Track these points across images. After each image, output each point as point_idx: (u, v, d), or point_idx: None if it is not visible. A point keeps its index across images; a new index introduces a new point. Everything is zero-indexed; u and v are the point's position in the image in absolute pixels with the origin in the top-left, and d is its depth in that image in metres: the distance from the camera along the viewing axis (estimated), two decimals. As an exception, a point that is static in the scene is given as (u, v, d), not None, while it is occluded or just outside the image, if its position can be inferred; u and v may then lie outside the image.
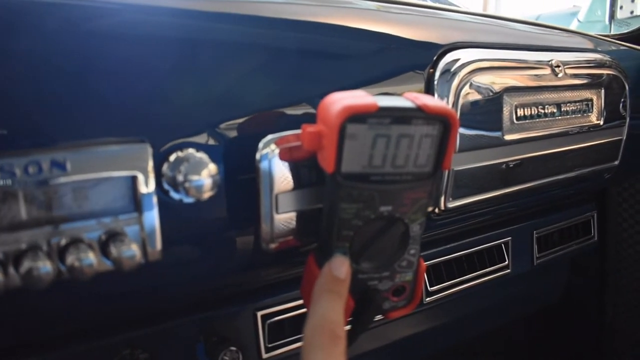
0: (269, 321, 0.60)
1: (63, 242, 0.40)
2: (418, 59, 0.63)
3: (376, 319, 0.50)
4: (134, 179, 0.42)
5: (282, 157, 0.48)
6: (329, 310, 0.42)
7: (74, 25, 0.41)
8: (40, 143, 0.39)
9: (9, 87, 0.38)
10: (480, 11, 0.81)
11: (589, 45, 0.91)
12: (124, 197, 0.42)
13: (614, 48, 0.97)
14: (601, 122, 0.84)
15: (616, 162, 0.91)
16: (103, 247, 0.42)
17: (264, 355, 0.60)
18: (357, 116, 0.41)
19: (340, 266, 0.45)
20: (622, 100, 0.88)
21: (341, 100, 0.41)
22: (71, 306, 0.47)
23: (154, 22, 0.44)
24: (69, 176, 0.39)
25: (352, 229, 0.45)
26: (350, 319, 0.48)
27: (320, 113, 0.43)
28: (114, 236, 0.42)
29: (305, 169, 0.49)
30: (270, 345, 0.60)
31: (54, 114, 0.40)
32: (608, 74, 0.84)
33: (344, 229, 0.45)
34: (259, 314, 0.60)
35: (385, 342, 0.80)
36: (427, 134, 0.44)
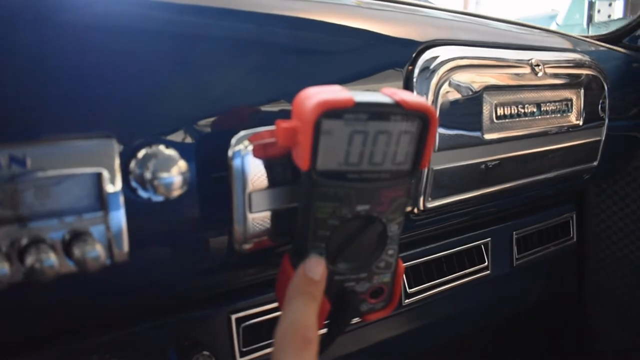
0: (243, 324, 0.58)
1: (24, 242, 0.38)
2: (397, 56, 0.62)
3: (354, 322, 0.48)
4: (99, 176, 0.40)
5: (256, 154, 0.46)
6: (301, 313, 0.41)
7: (39, 15, 0.38)
8: (-1, 138, 0.37)
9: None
10: (461, 9, 0.81)
11: (568, 45, 0.91)
12: (89, 195, 0.40)
13: (593, 49, 0.97)
14: (580, 123, 0.84)
15: (595, 163, 0.91)
16: (66, 248, 0.40)
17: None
18: (332, 111, 0.40)
19: (315, 267, 0.43)
20: (601, 101, 0.88)
21: (316, 95, 0.40)
22: (34, 310, 0.45)
23: (123, 13, 0.42)
24: (30, 173, 0.37)
25: (328, 229, 0.44)
26: (326, 321, 0.47)
27: (295, 108, 0.42)
28: (77, 236, 0.40)
29: (279, 166, 0.48)
30: (245, 349, 0.59)
31: (13, 108, 0.38)
32: (587, 74, 0.84)
33: (319, 229, 0.43)
34: (234, 317, 0.58)
35: (363, 344, 0.79)
36: (405, 131, 0.43)
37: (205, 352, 0.54)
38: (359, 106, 0.40)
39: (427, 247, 0.76)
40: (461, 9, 0.83)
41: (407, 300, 0.74)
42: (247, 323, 0.58)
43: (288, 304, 0.42)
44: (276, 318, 0.59)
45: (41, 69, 0.38)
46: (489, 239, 0.85)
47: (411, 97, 0.42)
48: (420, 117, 0.43)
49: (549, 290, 1.11)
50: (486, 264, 0.84)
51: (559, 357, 1.25)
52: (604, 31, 1.17)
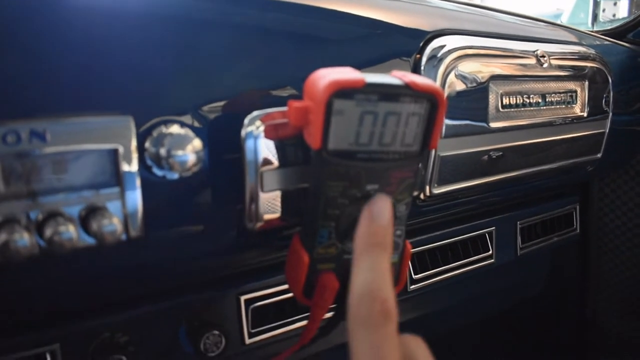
0: (252, 306, 0.59)
1: (41, 215, 0.39)
2: (405, 45, 0.63)
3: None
4: (115, 153, 0.41)
5: (268, 134, 0.47)
6: (376, 273, 0.36)
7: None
8: (20, 113, 0.38)
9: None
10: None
11: (573, 38, 0.92)
12: (106, 171, 0.41)
13: (598, 43, 0.97)
14: (585, 114, 0.85)
15: (599, 155, 0.92)
16: (83, 222, 0.41)
17: (247, 341, 0.59)
18: (344, 91, 0.40)
19: (383, 209, 0.39)
20: (606, 94, 0.89)
21: (328, 75, 0.41)
22: (49, 287, 0.46)
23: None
24: (49, 147, 0.38)
25: (338, 208, 0.44)
26: (334, 305, 0.47)
27: (307, 88, 0.43)
28: (94, 211, 0.41)
29: (291, 147, 0.48)
30: (253, 331, 0.60)
31: (36, 85, 0.39)
32: (592, 67, 0.85)
33: (329, 208, 0.44)
34: (243, 298, 0.59)
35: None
36: (414, 112, 0.44)
37: (215, 332, 0.55)
38: (369, 87, 0.41)
39: (433, 234, 0.77)
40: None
41: (412, 287, 0.74)
42: (256, 304, 0.59)
43: (358, 262, 0.37)
44: (284, 300, 0.60)
45: (64, 48, 0.39)
46: (494, 228, 0.86)
47: (421, 79, 0.43)
48: (429, 99, 0.44)
49: (552, 280, 1.12)
50: (490, 252, 0.85)
51: (561, 347, 1.26)
52: (608, 26, 1.17)
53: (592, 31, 1.09)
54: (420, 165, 0.47)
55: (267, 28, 0.51)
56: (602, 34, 1.07)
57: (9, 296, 0.44)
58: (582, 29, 1.06)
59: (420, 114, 0.44)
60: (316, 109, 0.41)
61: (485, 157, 0.70)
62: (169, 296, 0.55)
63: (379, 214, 0.39)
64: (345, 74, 0.41)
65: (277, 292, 0.61)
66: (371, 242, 0.38)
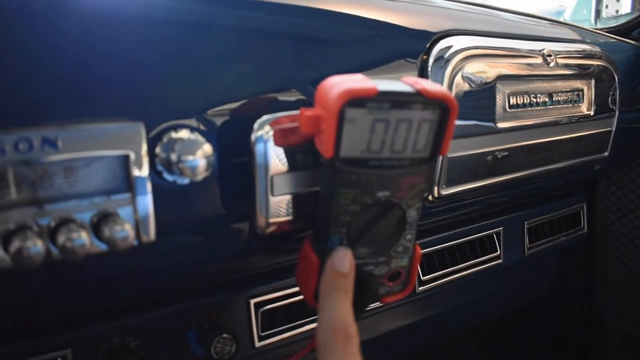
0: (262, 309, 0.59)
1: (54, 222, 0.39)
2: (412, 46, 0.63)
3: (368, 310, 0.49)
4: (126, 159, 0.41)
5: (277, 142, 0.47)
6: (337, 309, 0.42)
7: (68, 4, 0.40)
8: (32, 121, 0.38)
9: (2, 64, 0.37)
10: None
11: (579, 36, 0.91)
12: (117, 177, 0.41)
13: (603, 40, 0.97)
14: (591, 113, 0.84)
15: (605, 154, 0.91)
16: (95, 228, 0.41)
17: (257, 344, 0.59)
18: (356, 100, 0.40)
19: (343, 260, 0.45)
20: (612, 92, 0.89)
21: (340, 84, 0.41)
22: (60, 292, 0.46)
23: (152, 2, 0.43)
24: (60, 154, 0.38)
25: (350, 214, 0.45)
26: None
27: (319, 97, 0.42)
28: (106, 217, 0.41)
29: (300, 153, 0.48)
30: (263, 334, 0.60)
31: (47, 93, 0.39)
32: (598, 65, 0.85)
33: (341, 214, 0.44)
34: (252, 301, 0.59)
35: (376, 333, 0.80)
36: (425, 119, 0.44)
37: (225, 335, 0.55)
38: (381, 95, 0.41)
39: (441, 235, 0.77)
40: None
41: (420, 288, 0.74)
42: (266, 308, 0.59)
43: (323, 302, 0.43)
44: (293, 303, 0.60)
45: (74, 56, 0.39)
46: (501, 228, 0.86)
47: (432, 86, 0.43)
48: (441, 106, 0.43)
49: (559, 280, 1.12)
50: (498, 252, 0.85)
51: (567, 347, 1.26)
52: (612, 24, 1.17)
53: (597, 29, 1.09)
54: (430, 170, 0.47)
55: (275, 32, 0.51)
56: (607, 32, 1.07)
57: (20, 301, 0.44)
58: (587, 26, 1.06)
59: (432, 121, 0.44)
60: (328, 117, 0.41)
61: (493, 157, 0.70)
62: (178, 300, 0.55)
63: (339, 264, 0.44)
64: (357, 82, 0.41)
65: (286, 295, 0.61)
66: (332, 287, 0.44)
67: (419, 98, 0.42)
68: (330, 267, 0.44)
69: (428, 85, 0.43)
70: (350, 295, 0.44)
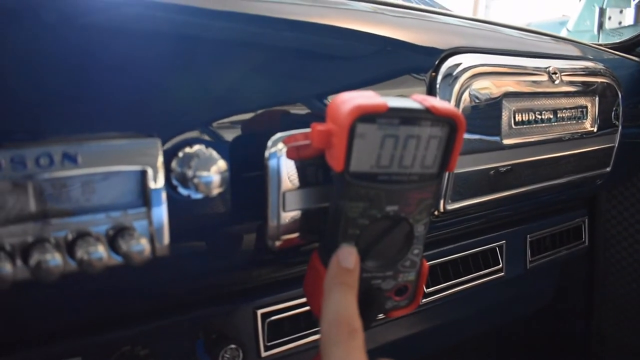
0: (268, 319, 0.60)
1: (71, 235, 0.40)
2: (420, 63, 0.64)
3: (375, 320, 0.50)
4: (143, 174, 0.42)
5: (290, 155, 0.48)
6: (342, 303, 0.42)
7: (85, 18, 0.41)
8: (52, 136, 0.39)
9: (23, 80, 0.38)
10: (473, 15, 0.82)
11: (583, 53, 0.92)
12: (133, 191, 0.42)
13: (607, 57, 0.98)
14: (595, 129, 0.85)
15: (608, 169, 0.92)
16: (111, 242, 0.42)
17: (264, 354, 0.60)
18: (367, 116, 0.41)
19: (348, 256, 0.44)
20: (615, 108, 0.90)
21: (352, 100, 0.42)
22: (73, 301, 0.47)
23: (170, 19, 0.44)
24: (80, 169, 0.39)
25: (358, 228, 0.45)
26: None
27: (330, 112, 0.43)
28: (122, 230, 0.42)
29: (312, 167, 0.49)
30: (269, 344, 0.61)
31: (66, 108, 0.40)
32: (602, 82, 0.86)
33: (350, 228, 0.45)
34: (259, 312, 0.60)
35: (379, 343, 0.80)
36: (434, 135, 0.45)
37: (232, 345, 0.56)
38: (392, 111, 0.42)
39: (444, 248, 0.78)
40: (472, 14, 0.85)
41: (423, 300, 0.75)
42: (272, 318, 0.60)
43: (327, 296, 0.43)
44: (300, 314, 0.61)
45: (93, 73, 0.40)
46: (504, 241, 0.87)
47: (440, 104, 0.44)
48: (449, 123, 0.45)
49: (560, 292, 1.13)
50: (500, 265, 0.86)
51: (568, 358, 1.27)
52: (614, 38, 1.18)
53: (600, 45, 1.10)
54: (438, 186, 0.48)
55: (287, 48, 0.52)
56: (610, 48, 1.08)
57: (33, 309, 0.45)
58: (588, 40, 1.06)
59: (440, 137, 0.45)
60: (339, 132, 0.42)
61: (498, 173, 0.71)
62: (187, 310, 0.56)
63: (344, 259, 0.44)
64: (368, 98, 0.42)
65: (293, 305, 0.62)
66: (337, 281, 0.44)
67: (428, 115, 0.43)
68: (335, 263, 0.44)
69: (437, 102, 0.44)
70: (355, 291, 0.44)
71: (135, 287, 0.49)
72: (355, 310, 0.42)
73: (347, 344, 0.40)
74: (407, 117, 0.43)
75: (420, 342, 0.86)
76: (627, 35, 1.14)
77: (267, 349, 0.60)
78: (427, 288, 0.75)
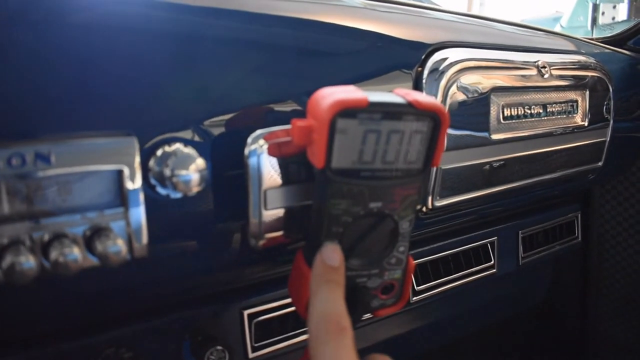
0: (255, 320, 0.59)
1: (46, 237, 0.39)
2: (406, 58, 0.63)
3: (363, 318, 0.49)
4: (120, 173, 0.41)
5: (271, 152, 0.47)
6: (329, 301, 0.42)
7: (60, 16, 0.40)
8: (24, 135, 0.38)
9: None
10: (466, 12, 0.82)
11: (574, 47, 0.92)
12: (110, 191, 0.42)
13: (598, 51, 0.98)
14: (586, 124, 0.85)
15: (600, 164, 0.92)
16: (88, 243, 0.41)
17: (251, 355, 0.59)
18: (347, 111, 0.41)
19: (332, 254, 0.44)
20: (606, 102, 0.89)
21: (332, 95, 0.41)
22: (53, 304, 0.46)
23: (144, 14, 0.43)
24: (54, 169, 0.38)
25: (342, 226, 0.45)
26: None
27: (311, 107, 0.43)
28: (99, 231, 0.41)
29: (294, 165, 0.49)
30: (256, 345, 0.60)
31: (39, 106, 0.39)
32: (593, 76, 0.85)
33: (333, 225, 0.45)
34: (246, 312, 0.59)
35: (371, 342, 0.80)
36: (417, 130, 0.44)
37: (219, 347, 0.55)
38: (373, 106, 0.41)
39: (435, 245, 0.77)
40: (466, 11, 0.84)
41: (414, 298, 0.75)
42: (259, 319, 0.60)
43: (314, 295, 0.42)
44: (287, 314, 0.60)
45: (66, 69, 0.40)
46: (495, 237, 0.86)
47: (423, 98, 0.43)
48: (432, 117, 0.44)
49: (553, 289, 1.12)
50: (492, 262, 0.85)
51: (561, 356, 1.26)
52: (607, 33, 1.18)
53: (592, 39, 1.09)
54: (423, 181, 0.47)
55: (269, 44, 0.51)
56: (602, 42, 1.07)
57: (13, 313, 0.44)
58: (582, 36, 1.06)
59: (423, 132, 0.44)
60: (320, 128, 0.41)
61: (487, 168, 0.70)
62: (172, 311, 0.55)
63: (329, 257, 0.44)
64: (349, 93, 0.41)
65: (280, 306, 0.61)
66: (324, 280, 0.43)
67: (410, 109, 0.43)
68: (320, 261, 0.44)
69: (419, 96, 0.43)
70: (342, 288, 0.43)
71: (118, 289, 0.48)
72: (344, 308, 0.42)
73: (336, 343, 0.39)
74: (389, 111, 0.42)
75: (412, 341, 0.86)
76: (619, 30, 1.14)
77: (254, 350, 0.60)
78: (417, 286, 0.75)
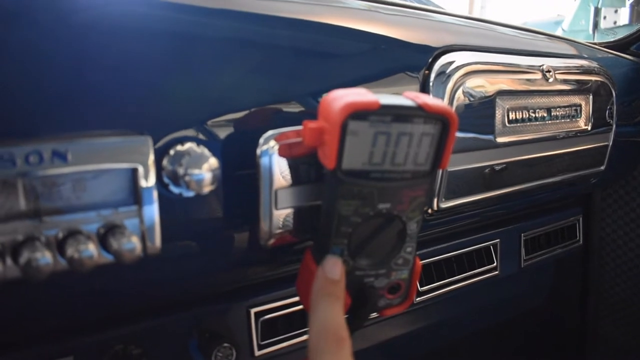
0: (262, 318, 0.60)
1: (62, 234, 0.40)
2: (414, 61, 0.63)
3: (368, 318, 0.50)
4: (134, 172, 0.42)
5: (282, 153, 0.48)
6: (329, 314, 0.43)
7: (75, 16, 0.40)
8: (42, 133, 0.39)
9: (14, 77, 0.38)
10: (471, 15, 0.82)
11: (577, 52, 0.92)
12: (124, 189, 0.42)
13: (601, 56, 0.98)
14: (589, 128, 0.86)
15: (602, 168, 0.92)
16: (102, 240, 0.41)
17: (257, 353, 0.60)
18: (359, 113, 0.41)
19: (334, 267, 0.45)
20: (609, 107, 0.90)
21: (344, 97, 0.42)
22: (65, 301, 0.46)
23: (158, 16, 0.44)
24: (70, 167, 0.39)
25: (351, 226, 0.45)
26: (346, 316, 0.48)
27: (322, 109, 0.43)
28: (113, 229, 0.41)
29: (304, 165, 0.49)
30: (263, 343, 0.60)
31: (57, 106, 0.40)
32: (596, 81, 0.86)
33: (342, 226, 0.45)
34: (253, 311, 0.60)
35: (374, 342, 0.80)
36: (426, 133, 0.44)
37: (226, 344, 0.56)
38: (384, 108, 0.42)
39: (438, 246, 0.78)
40: (468, 14, 0.85)
41: (418, 299, 0.75)
42: (266, 317, 0.60)
43: (314, 307, 0.44)
44: (293, 313, 0.61)
45: (83, 71, 0.40)
46: (498, 240, 0.87)
47: (433, 101, 0.44)
48: (441, 120, 0.44)
49: (554, 291, 1.13)
50: (495, 264, 0.86)
51: (562, 358, 1.27)
52: (609, 37, 1.18)
53: (595, 44, 1.10)
54: (431, 183, 0.47)
55: (280, 45, 0.52)
56: (605, 47, 1.08)
57: (25, 309, 0.45)
58: (585, 41, 1.07)
59: (432, 134, 0.45)
60: (331, 130, 0.41)
61: (492, 171, 0.71)
62: (180, 309, 0.56)
63: (330, 271, 0.45)
64: (361, 95, 0.42)
65: (286, 304, 0.62)
66: (324, 293, 0.44)
67: (420, 112, 0.43)
68: (321, 275, 0.45)
69: (429, 100, 0.44)
70: (342, 302, 0.44)
71: (128, 286, 0.49)
72: (342, 320, 0.43)
73: (335, 354, 0.41)
74: (399, 114, 0.43)
75: (414, 341, 0.86)
76: (621, 34, 1.14)
77: (260, 347, 0.60)
78: (421, 287, 0.75)
